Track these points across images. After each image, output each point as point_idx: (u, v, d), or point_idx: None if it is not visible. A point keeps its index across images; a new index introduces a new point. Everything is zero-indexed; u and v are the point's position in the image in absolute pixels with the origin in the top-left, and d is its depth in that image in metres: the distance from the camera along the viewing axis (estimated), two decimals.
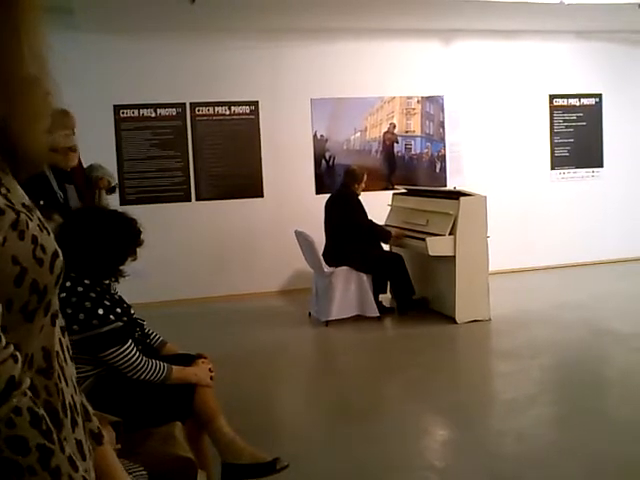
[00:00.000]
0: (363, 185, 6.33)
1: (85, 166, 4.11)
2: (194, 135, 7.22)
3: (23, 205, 0.81)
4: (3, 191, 0.78)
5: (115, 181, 4.26)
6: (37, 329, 0.81)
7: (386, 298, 6.42)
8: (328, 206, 6.33)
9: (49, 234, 0.82)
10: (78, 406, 0.89)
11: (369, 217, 6.21)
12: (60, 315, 0.88)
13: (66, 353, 0.88)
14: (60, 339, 0.87)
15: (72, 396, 0.87)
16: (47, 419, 0.76)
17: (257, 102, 7.34)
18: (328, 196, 6.49)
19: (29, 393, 0.74)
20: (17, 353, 0.74)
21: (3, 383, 0.71)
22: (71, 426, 0.84)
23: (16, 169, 0.83)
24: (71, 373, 0.88)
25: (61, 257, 0.83)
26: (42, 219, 0.83)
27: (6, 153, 0.80)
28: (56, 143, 4.06)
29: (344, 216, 6.11)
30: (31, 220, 0.80)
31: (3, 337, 0.73)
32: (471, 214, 5.69)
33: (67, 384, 0.86)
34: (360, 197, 6.23)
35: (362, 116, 7.71)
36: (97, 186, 3.96)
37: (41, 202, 2.99)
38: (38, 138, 0.82)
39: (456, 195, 5.87)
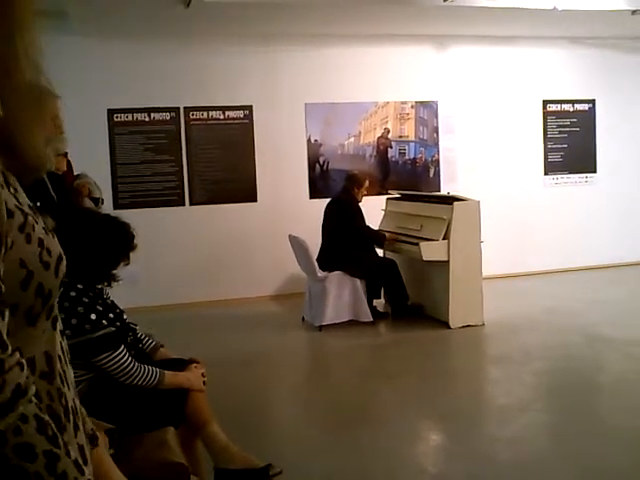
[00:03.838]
0: (364, 191, 6.30)
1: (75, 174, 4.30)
2: (188, 139, 7.21)
3: (29, 207, 0.80)
4: (12, 191, 0.77)
5: (99, 193, 4.38)
6: (40, 333, 0.81)
7: (380, 303, 6.42)
8: (327, 210, 6.33)
9: (54, 237, 0.82)
10: (78, 410, 0.88)
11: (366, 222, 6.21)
12: (60, 319, 0.87)
13: (66, 357, 0.88)
14: (60, 342, 0.86)
15: (74, 400, 0.87)
16: (52, 424, 0.75)
17: (251, 107, 7.35)
18: (323, 200, 6.49)
19: (34, 400, 0.74)
20: (23, 360, 0.73)
21: (9, 392, 0.70)
22: (74, 431, 0.84)
23: (19, 174, 0.82)
24: (71, 377, 0.88)
25: (65, 260, 0.83)
26: (46, 222, 0.82)
27: (10, 157, 0.80)
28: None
29: (341, 220, 6.10)
30: (37, 223, 0.79)
31: (9, 344, 0.72)
32: (465, 219, 5.70)
33: (69, 388, 0.85)
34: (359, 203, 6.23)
35: (356, 121, 7.72)
36: (80, 193, 4.11)
37: (38, 203, 2.99)
38: (39, 142, 0.82)
39: (450, 200, 5.88)
